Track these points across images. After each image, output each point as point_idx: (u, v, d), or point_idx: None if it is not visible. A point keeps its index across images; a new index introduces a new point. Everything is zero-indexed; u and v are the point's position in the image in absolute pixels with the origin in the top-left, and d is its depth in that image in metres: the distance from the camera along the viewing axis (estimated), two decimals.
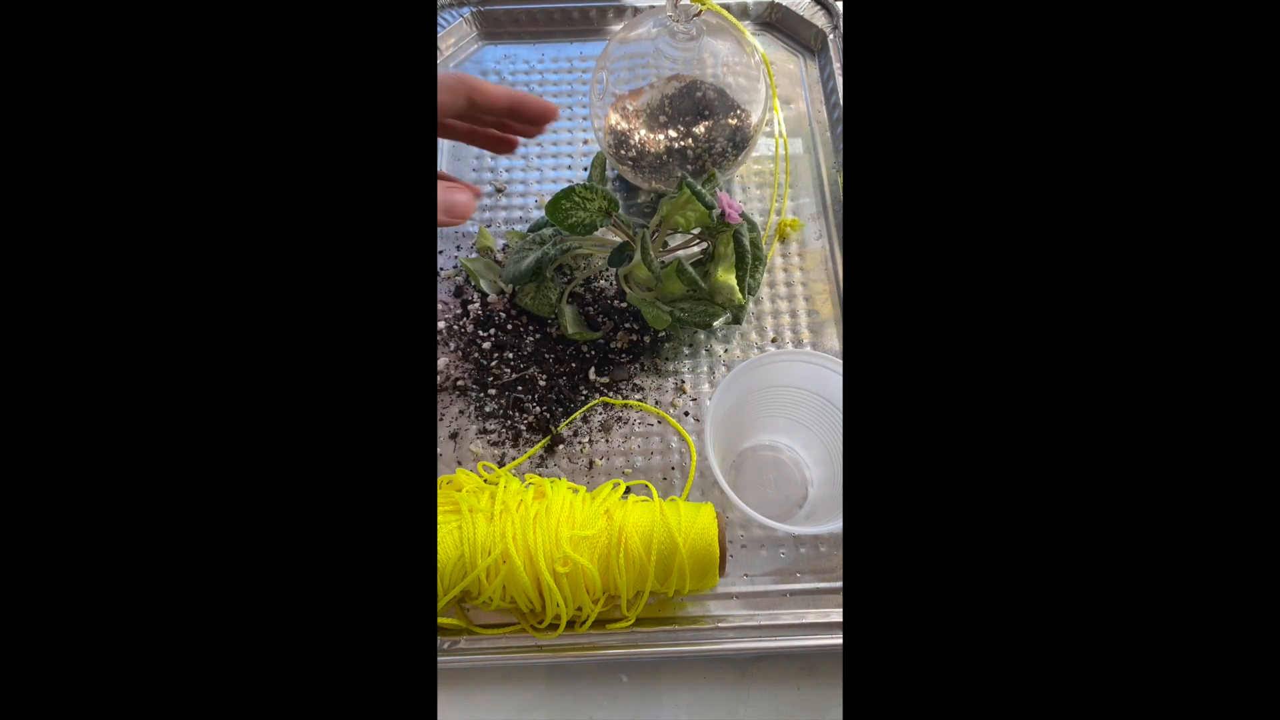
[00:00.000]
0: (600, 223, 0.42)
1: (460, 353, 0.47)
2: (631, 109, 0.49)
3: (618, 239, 0.45)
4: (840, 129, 0.55)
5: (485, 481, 0.40)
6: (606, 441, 0.45)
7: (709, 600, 0.40)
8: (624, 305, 0.48)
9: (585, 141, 0.57)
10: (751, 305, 0.49)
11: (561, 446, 0.45)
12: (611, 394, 0.46)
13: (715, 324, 0.47)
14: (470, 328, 0.48)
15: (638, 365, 0.47)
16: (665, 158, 0.49)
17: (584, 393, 0.46)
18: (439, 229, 0.52)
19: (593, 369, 0.46)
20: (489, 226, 0.52)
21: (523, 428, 0.45)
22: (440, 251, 0.51)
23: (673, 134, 0.48)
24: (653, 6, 0.59)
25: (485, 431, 0.45)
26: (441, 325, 0.48)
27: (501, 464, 0.44)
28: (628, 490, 0.43)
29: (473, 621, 0.39)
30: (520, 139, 0.45)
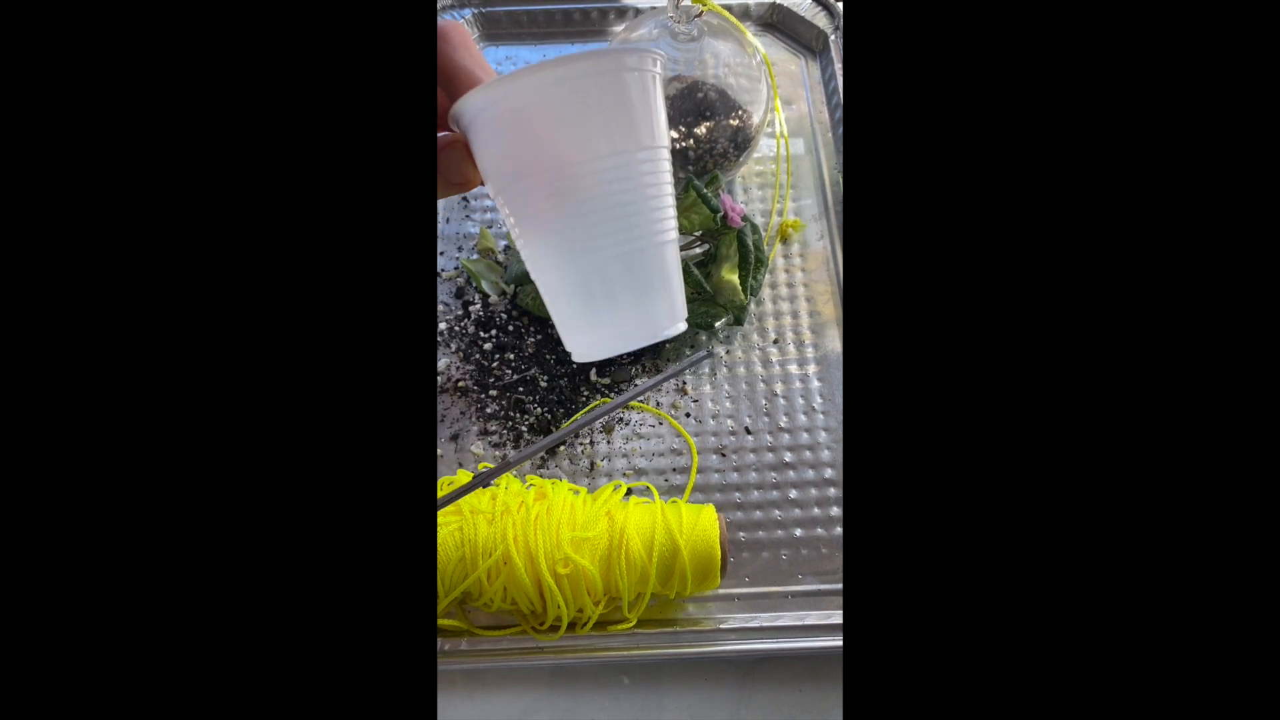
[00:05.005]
0: None
1: (461, 354, 0.47)
2: None
3: None
4: (841, 129, 0.55)
5: None
6: (608, 443, 0.45)
7: (710, 602, 0.40)
8: None
9: None
10: (753, 306, 0.49)
11: (563, 448, 0.45)
12: (613, 395, 0.46)
13: (717, 325, 0.47)
14: (471, 329, 0.48)
15: (639, 366, 0.47)
16: None
17: (585, 394, 0.46)
18: (439, 228, 0.52)
19: (594, 370, 0.46)
20: (490, 227, 0.52)
21: (524, 429, 0.45)
22: (441, 252, 0.51)
23: (674, 135, 0.48)
24: (654, 7, 0.59)
25: (486, 432, 0.45)
26: (443, 326, 0.48)
27: None
28: (629, 491, 0.43)
29: (473, 623, 0.39)
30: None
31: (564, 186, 0.26)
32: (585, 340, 0.30)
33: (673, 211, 0.30)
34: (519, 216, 0.28)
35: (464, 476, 0.40)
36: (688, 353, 0.48)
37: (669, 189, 0.29)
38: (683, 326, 0.30)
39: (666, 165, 0.29)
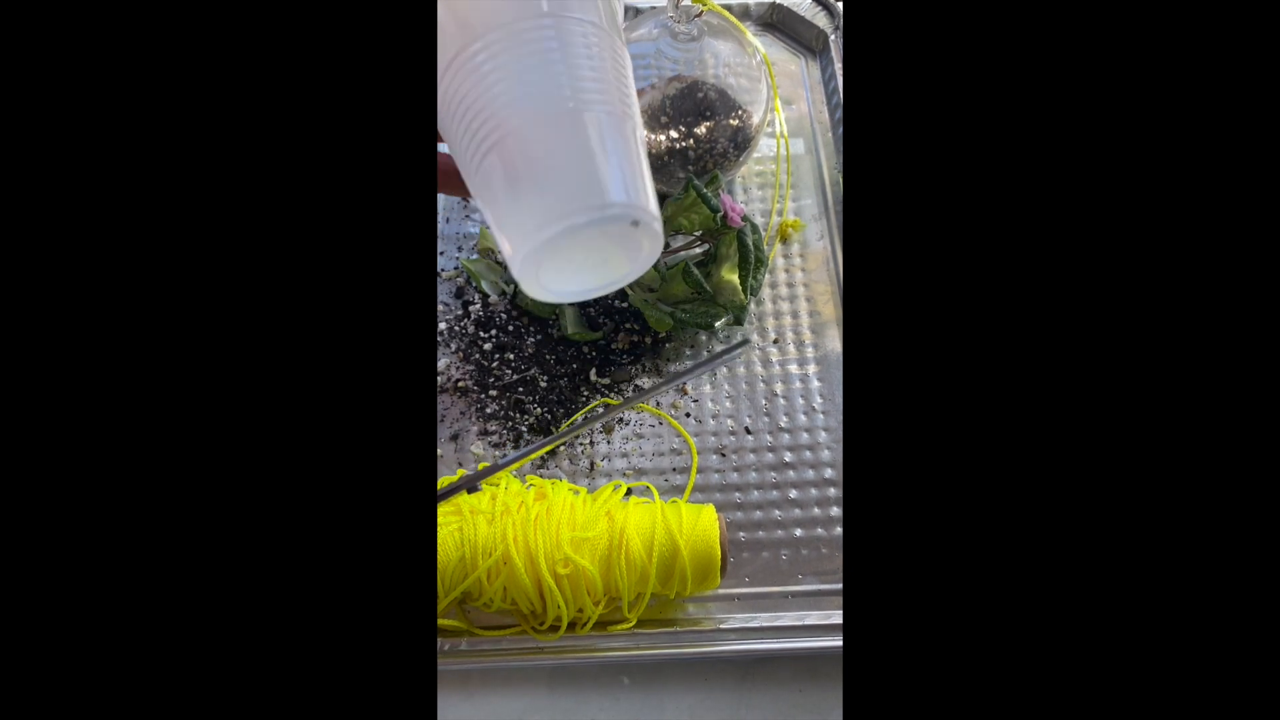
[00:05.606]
0: None
1: (461, 354, 0.47)
2: None
3: None
4: (841, 129, 0.55)
5: (486, 483, 0.40)
6: (608, 443, 0.45)
7: (710, 602, 0.40)
8: (625, 306, 0.48)
9: None
10: (753, 306, 0.49)
11: (563, 448, 0.45)
12: (613, 395, 0.46)
13: (717, 325, 0.47)
14: (471, 329, 0.48)
15: (639, 366, 0.47)
16: (666, 158, 0.49)
17: (585, 394, 0.46)
18: (439, 228, 0.52)
19: (594, 370, 0.46)
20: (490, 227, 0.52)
21: (524, 429, 0.45)
22: (441, 252, 0.51)
23: (674, 135, 0.48)
24: (654, 7, 0.59)
25: (486, 433, 0.45)
26: (442, 326, 0.48)
27: None
28: (629, 491, 0.43)
29: (473, 623, 0.39)
30: None
31: (456, 76, 0.23)
32: (518, 236, 0.24)
33: (597, 77, 0.24)
34: (446, 118, 0.24)
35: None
36: (687, 353, 0.48)
37: (584, 52, 0.24)
38: (656, 227, 0.23)
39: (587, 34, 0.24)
